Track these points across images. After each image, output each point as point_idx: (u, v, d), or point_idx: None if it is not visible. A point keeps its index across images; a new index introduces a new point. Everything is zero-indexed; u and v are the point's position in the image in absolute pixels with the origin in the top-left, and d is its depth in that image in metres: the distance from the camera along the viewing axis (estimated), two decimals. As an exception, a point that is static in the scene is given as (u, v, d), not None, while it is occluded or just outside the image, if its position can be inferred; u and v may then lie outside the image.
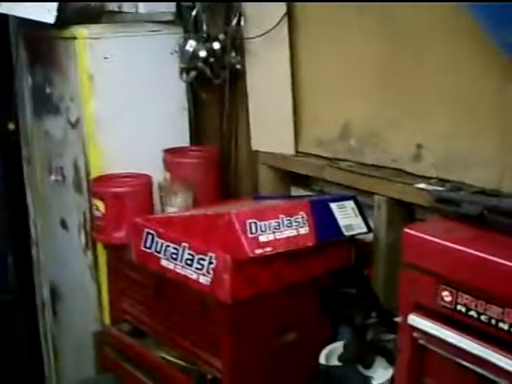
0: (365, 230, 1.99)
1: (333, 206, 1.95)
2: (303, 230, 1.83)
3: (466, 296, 1.27)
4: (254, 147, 2.47)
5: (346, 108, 2.17)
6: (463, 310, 1.28)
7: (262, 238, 1.75)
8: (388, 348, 1.83)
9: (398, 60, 1.96)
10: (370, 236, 2.06)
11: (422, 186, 1.85)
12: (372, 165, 2.08)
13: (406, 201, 1.94)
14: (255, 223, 1.75)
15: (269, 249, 1.75)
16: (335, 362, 1.94)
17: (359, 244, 2.07)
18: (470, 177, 1.79)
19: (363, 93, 2.10)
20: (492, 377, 1.27)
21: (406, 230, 1.39)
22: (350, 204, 2.00)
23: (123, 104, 2.45)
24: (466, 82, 1.78)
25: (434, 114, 1.90)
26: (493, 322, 1.23)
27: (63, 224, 2.73)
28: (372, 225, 2.03)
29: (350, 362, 1.91)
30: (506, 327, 1.20)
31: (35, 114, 2.79)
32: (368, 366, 1.90)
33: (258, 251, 1.73)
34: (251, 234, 1.74)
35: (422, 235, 1.36)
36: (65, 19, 2.37)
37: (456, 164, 1.84)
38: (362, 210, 2.02)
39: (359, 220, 2.00)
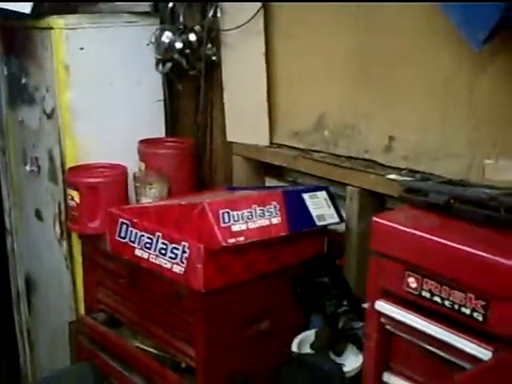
0: (337, 220, 2.01)
1: (305, 196, 1.97)
2: (276, 220, 1.85)
3: (431, 282, 1.29)
4: (229, 139, 2.49)
5: (320, 100, 2.19)
6: (428, 295, 1.30)
7: (235, 228, 1.76)
8: (359, 335, 1.86)
9: (372, 53, 1.99)
10: (343, 227, 2.09)
11: (392, 176, 1.89)
12: (345, 156, 2.11)
13: (378, 191, 1.97)
14: (228, 213, 1.76)
15: (241, 238, 1.76)
16: (307, 349, 1.97)
17: (332, 234, 2.10)
18: (439, 168, 1.82)
19: (338, 85, 2.13)
20: (455, 360, 1.30)
21: (374, 219, 1.41)
22: (323, 194, 2.02)
23: (99, 95, 2.46)
24: (438, 76, 1.82)
25: (406, 106, 1.93)
26: (456, 307, 1.26)
27: (38, 215, 2.73)
28: (344, 215, 2.06)
29: (321, 350, 1.94)
30: (468, 312, 1.24)
31: (10, 104, 2.78)
32: (339, 354, 1.94)
33: (231, 241, 1.74)
34: (224, 223, 1.75)
35: (390, 223, 1.38)
36: (41, 9, 2.37)
37: (426, 156, 1.88)
38: (334, 200, 2.04)
39: (331, 210, 2.02)
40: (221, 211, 1.76)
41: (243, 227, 1.77)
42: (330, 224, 2.01)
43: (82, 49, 2.40)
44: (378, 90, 1.99)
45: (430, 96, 1.86)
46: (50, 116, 2.48)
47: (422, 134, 1.89)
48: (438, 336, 1.31)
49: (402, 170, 1.93)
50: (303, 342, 1.99)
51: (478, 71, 1.71)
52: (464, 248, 1.25)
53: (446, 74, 1.80)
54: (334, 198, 2.05)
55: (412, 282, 1.33)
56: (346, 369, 1.85)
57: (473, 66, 1.72)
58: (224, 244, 1.73)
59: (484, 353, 1.23)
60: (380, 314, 1.42)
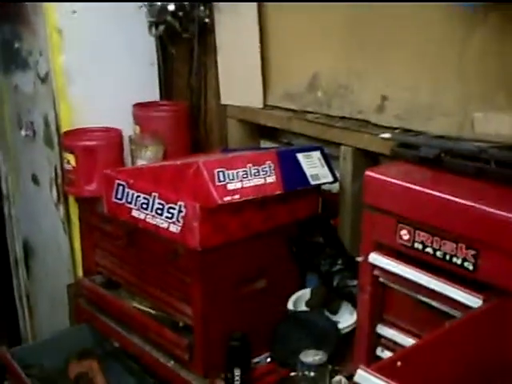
0: (331, 179, 2.03)
1: (299, 155, 1.98)
2: (270, 179, 1.86)
3: (423, 233, 1.32)
4: (223, 101, 2.49)
5: (313, 61, 2.19)
6: (420, 247, 1.33)
7: (230, 186, 1.77)
8: (354, 293, 1.88)
9: (365, 13, 1.98)
10: (337, 187, 2.11)
11: (385, 135, 1.90)
12: (338, 116, 2.12)
13: (371, 151, 1.98)
14: (223, 172, 1.77)
15: (237, 196, 1.77)
16: (303, 307, 2.00)
17: (326, 194, 2.12)
18: (432, 127, 1.83)
19: (330, 46, 2.12)
20: (448, 310, 1.33)
21: (367, 173, 1.43)
22: (317, 154, 2.03)
23: (92, 58, 2.45)
24: (430, 36, 1.82)
25: (398, 65, 1.93)
26: (447, 257, 1.28)
27: (35, 179, 2.73)
28: (338, 175, 2.07)
29: (316, 308, 1.97)
30: (459, 261, 1.26)
31: (4, 69, 2.77)
32: (334, 312, 1.96)
33: (226, 199, 1.75)
34: (219, 182, 1.76)
35: (382, 177, 1.40)
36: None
37: (418, 114, 1.88)
38: (328, 160, 2.05)
39: (326, 170, 2.03)
40: (216, 170, 1.77)
41: (238, 186, 1.79)
42: (325, 183, 2.03)
43: (74, 12, 2.39)
44: (371, 49, 1.99)
45: (422, 55, 1.86)
46: (44, 80, 2.48)
47: (413, 92, 1.89)
48: (431, 286, 1.33)
49: (395, 129, 1.93)
50: (299, 300, 2.02)
51: (469, 30, 1.71)
52: (455, 199, 1.27)
53: (437, 33, 1.80)
54: (327, 158, 2.06)
55: (404, 234, 1.36)
56: (340, 326, 1.88)
57: (464, 26, 1.72)
58: (220, 202, 1.74)
59: (474, 301, 1.26)
60: (373, 266, 1.45)
